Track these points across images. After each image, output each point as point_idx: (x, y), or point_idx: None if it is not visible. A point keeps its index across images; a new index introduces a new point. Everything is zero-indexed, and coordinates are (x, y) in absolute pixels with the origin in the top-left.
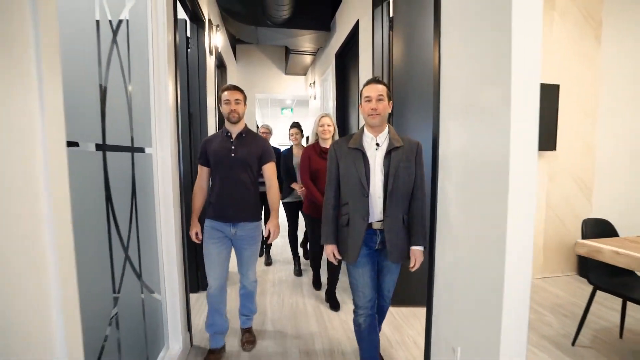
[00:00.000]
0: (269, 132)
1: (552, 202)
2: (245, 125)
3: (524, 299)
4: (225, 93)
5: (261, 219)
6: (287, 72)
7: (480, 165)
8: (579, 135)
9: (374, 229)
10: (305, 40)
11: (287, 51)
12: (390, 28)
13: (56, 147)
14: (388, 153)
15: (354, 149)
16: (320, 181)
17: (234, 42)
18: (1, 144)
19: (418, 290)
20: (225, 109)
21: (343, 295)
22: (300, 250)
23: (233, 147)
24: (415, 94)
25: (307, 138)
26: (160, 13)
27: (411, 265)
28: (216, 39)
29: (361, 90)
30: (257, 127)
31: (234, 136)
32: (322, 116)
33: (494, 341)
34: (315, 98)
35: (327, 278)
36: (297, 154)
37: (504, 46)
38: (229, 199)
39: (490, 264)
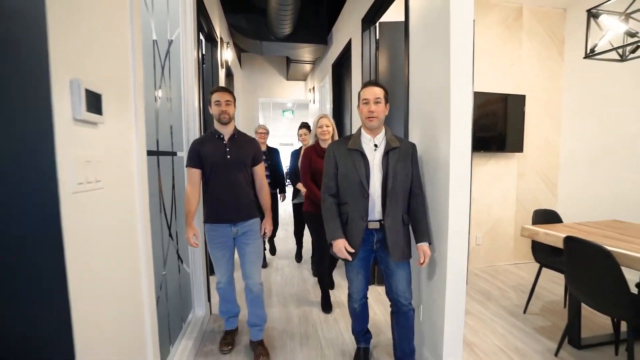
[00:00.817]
0: (267, 132)
1: (522, 197)
2: (235, 126)
3: (461, 265)
4: (215, 94)
5: (258, 216)
6: (289, 78)
7: (432, 161)
8: (545, 138)
9: (370, 229)
10: (305, 52)
11: (288, 59)
12: (376, 48)
13: (141, 155)
14: (386, 154)
15: (353, 150)
16: (320, 181)
17: (240, 51)
18: (117, 155)
19: None
20: (215, 110)
21: (337, 277)
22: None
23: (228, 149)
24: (397, 103)
25: None
26: (188, 36)
27: (420, 261)
28: (226, 54)
29: (359, 92)
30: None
31: (226, 138)
32: (321, 117)
33: (441, 300)
34: (314, 102)
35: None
36: None
37: (445, 71)
38: (229, 201)
39: (439, 239)
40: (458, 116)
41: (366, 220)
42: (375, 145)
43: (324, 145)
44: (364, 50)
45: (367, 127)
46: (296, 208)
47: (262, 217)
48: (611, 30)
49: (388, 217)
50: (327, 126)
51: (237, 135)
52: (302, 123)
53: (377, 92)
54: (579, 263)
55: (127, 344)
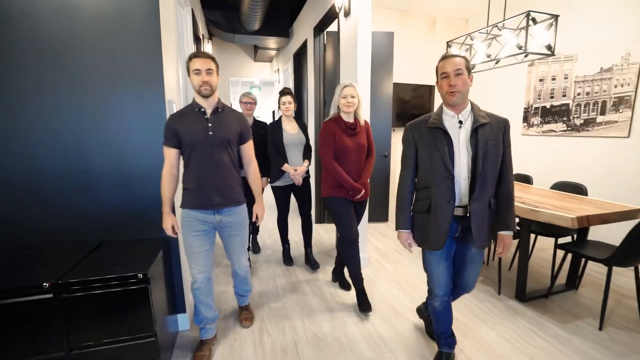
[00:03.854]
0: (254, 102)
1: None
2: (219, 99)
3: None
4: (195, 61)
5: (245, 201)
6: (256, 60)
7: None
8: None
9: (454, 215)
10: (271, 42)
11: (256, 45)
12: (324, 50)
13: None
14: (474, 131)
15: (434, 129)
16: (345, 162)
17: (211, 35)
18: None
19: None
20: (195, 81)
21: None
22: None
23: (210, 125)
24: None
25: (273, 112)
26: (189, 39)
27: (499, 250)
28: (207, 47)
29: (437, 67)
30: (235, 101)
31: (208, 112)
32: (346, 86)
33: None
34: (279, 82)
35: (340, 258)
36: (288, 129)
37: (354, 64)
38: (211, 184)
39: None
40: (363, 93)
41: (453, 204)
42: (460, 122)
43: (347, 118)
44: (315, 51)
45: (448, 105)
46: (278, 192)
47: (252, 202)
48: None
49: (475, 201)
50: (353, 97)
51: (222, 109)
52: (285, 89)
53: (458, 62)
54: None
55: None
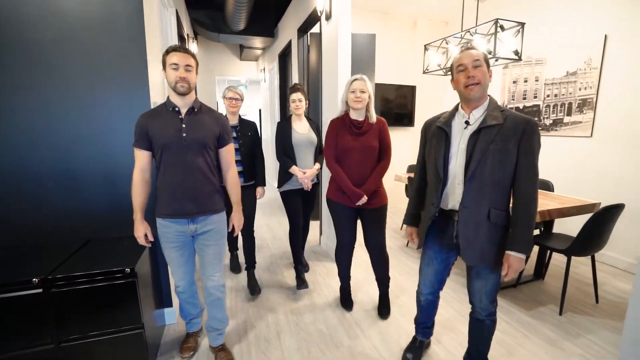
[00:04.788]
0: (240, 98)
1: (415, 160)
2: (197, 97)
3: None
4: (173, 55)
5: (224, 209)
6: (242, 59)
7: None
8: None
9: (454, 220)
10: (256, 42)
11: (242, 45)
12: (308, 51)
13: None
14: (477, 132)
15: (439, 128)
16: (347, 164)
17: (196, 34)
18: None
19: None
20: (171, 76)
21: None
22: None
23: (184, 126)
24: (323, 93)
25: (260, 111)
26: (174, 36)
27: (503, 272)
28: (192, 47)
29: (452, 64)
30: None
31: (183, 112)
32: (355, 79)
33: None
34: (265, 81)
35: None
36: (298, 128)
37: (334, 64)
38: (185, 191)
39: None
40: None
41: (436, 207)
42: (467, 123)
43: (356, 116)
44: (299, 51)
45: (466, 100)
46: (287, 197)
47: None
48: (433, 59)
49: (466, 209)
50: (363, 91)
51: (198, 108)
52: (296, 86)
53: (475, 54)
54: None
55: None
